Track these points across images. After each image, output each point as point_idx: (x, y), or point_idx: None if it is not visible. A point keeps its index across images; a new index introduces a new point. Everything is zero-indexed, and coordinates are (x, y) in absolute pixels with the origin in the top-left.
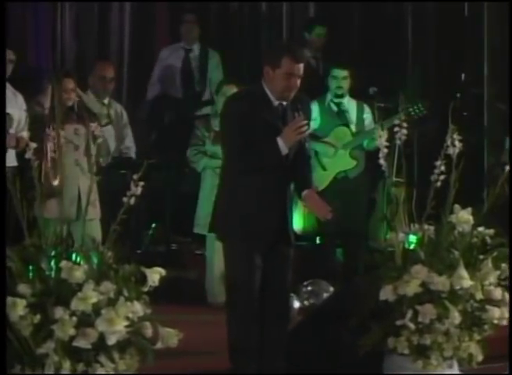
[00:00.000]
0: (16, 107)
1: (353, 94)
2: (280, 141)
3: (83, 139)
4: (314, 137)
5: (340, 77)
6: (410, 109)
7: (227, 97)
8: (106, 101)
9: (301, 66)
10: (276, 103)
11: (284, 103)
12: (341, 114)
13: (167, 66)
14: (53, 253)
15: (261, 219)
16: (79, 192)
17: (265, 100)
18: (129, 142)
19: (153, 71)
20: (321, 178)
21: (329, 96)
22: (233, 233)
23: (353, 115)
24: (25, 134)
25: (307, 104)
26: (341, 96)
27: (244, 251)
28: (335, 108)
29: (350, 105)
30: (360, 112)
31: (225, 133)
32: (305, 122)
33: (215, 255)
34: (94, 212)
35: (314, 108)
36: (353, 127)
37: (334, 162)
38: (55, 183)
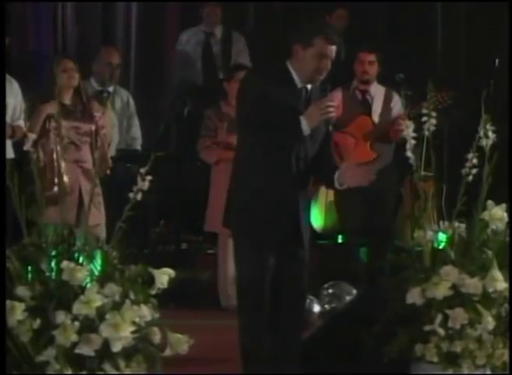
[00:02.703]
0: (12, 95)
1: (381, 80)
2: (303, 121)
3: (86, 138)
4: (334, 126)
5: (367, 62)
6: (435, 98)
7: (247, 71)
8: (111, 88)
9: (334, 48)
10: (300, 85)
11: (309, 87)
12: (365, 102)
13: (186, 51)
14: (54, 253)
15: (274, 216)
16: (80, 195)
17: (289, 80)
18: (136, 132)
19: (172, 57)
20: None
21: (355, 83)
22: (244, 230)
23: (379, 103)
24: (21, 123)
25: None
26: (367, 82)
27: (255, 250)
28: (359, 96)
29: (377, 92)
30: (387, 100)
31: (241, 108)
32: (333, 103)
33: (228, 254)
34: (99, 218)
35: (337, 96)
36: (377, 117)
37: (354, 154)
38: (54, 188)
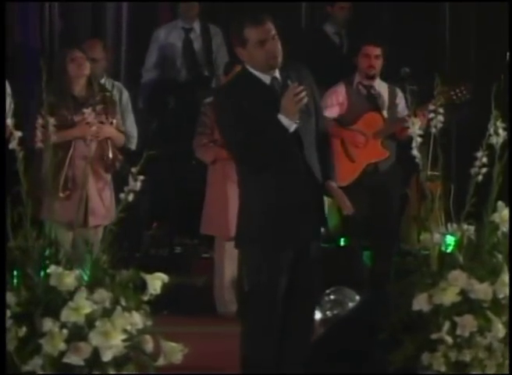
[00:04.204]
0: None
1: (384, 76)
2: (282, 117)
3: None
4: (340, 123)
5: (373, 56)
6: (452, 93)
7: (217, 91)
8: (102, 81)
9: (267, 26)
10: (269, 80)
11: (278, 76)
12: (371, 98)
13: (165, 47)
14: (41, 257)
15: (289, 218)
16: (87, 197)
17: (256, 82)
18: (132, 132)
19: (147, 55)
20: (349, 171)
21: (358, 77)
22: (260, 238)
23: (384, 99)
24: (9, 121)
25: (303, 69)
26: (372, 77)
27: (270, 256)
28: (364, 91)
29: (380, 88)
30: (392, 96)
31: (224, 134)
32: (301, 87)
33: (225, 258)
34: (104, 218)
35: (341, 91)
36: (384, 113)
37: (364, 153)
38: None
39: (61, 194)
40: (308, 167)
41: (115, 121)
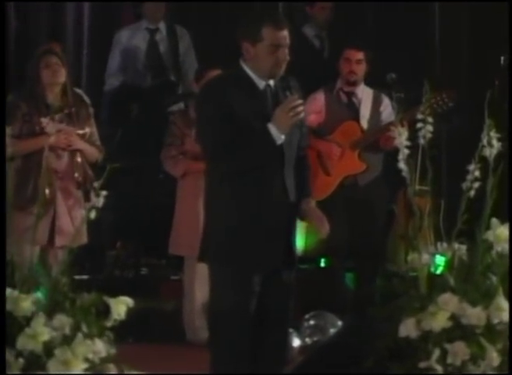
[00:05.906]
0: None
1: (369, 82)
2: (272, 128)
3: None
4: (317, 133)
5: (354, 60)
6: (433, 101)
7: (202, 85)
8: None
9: (286, 32)
10: (262, 85)
11: (271, 83)
12: (351, 106)
13: (128, 50)
14: None
15: (259, 238)
16: (55, 212)
17: (249, 84)
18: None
19: (109, 59)
20: (324, 184)
21: (339, 84)
22: (224, 258)
23: (367, 107)
24: None
25: (296, 84)
26: (354, 83)
27: (238, 278)
28: (345, 98)
29: (364, 95)
30: (376, 103)
31: (203, 131)
32: (300, 101)
33: (195, 281)
34: (72, 238)
35: (319, 98)
36: (365, 122)
37: (339, 165)
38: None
39: (27, 209)
40: (284, 186)
41: (88, 133)
